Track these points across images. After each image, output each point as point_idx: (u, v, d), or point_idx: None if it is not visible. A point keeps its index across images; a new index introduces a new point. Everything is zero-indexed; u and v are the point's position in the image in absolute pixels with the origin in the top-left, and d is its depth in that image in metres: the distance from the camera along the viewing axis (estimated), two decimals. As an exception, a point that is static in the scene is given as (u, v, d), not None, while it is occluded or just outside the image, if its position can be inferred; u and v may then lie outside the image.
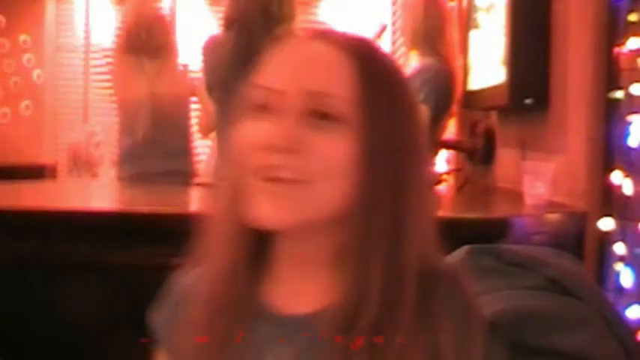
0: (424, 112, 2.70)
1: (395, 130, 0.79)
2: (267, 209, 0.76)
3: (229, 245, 0.82)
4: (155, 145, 2.92)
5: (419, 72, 2.85)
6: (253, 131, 0.78)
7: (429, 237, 0.81)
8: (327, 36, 0.82)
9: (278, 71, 0.79)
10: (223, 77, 2.48)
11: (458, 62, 2.91)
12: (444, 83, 2.80)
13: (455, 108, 2.98)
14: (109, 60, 3.45)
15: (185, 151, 3.06)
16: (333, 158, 0.76)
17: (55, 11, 5.21)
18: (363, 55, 0.80)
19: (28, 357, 1.68)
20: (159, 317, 0.89)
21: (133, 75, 2.94)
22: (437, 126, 2.83)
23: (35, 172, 4.39)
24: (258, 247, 0.82)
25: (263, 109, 0.78)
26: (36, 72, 5.11)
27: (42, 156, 5.01)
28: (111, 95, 3.36)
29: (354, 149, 0.76)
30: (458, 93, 2.91)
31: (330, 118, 0.77)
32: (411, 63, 3.02)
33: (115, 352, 1.61)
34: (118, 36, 3.13)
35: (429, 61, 2.84)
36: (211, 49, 2.65)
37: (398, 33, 4.70)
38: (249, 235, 0.80)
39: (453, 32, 2.94)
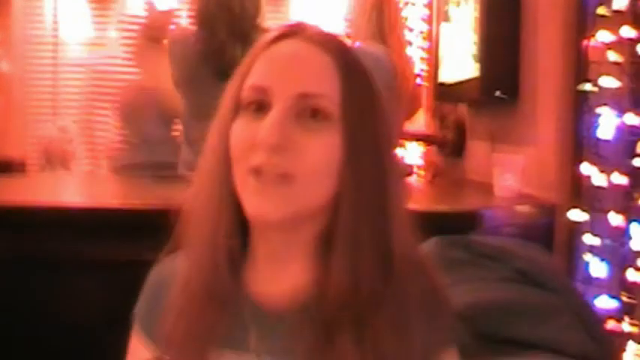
0: None
1: (374, 125, 0.82)
2: (257, 205, 0.78)
3: (212, 236, 0.83)
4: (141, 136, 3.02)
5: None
6: (246, 130, 0.80)
7: (407, 223, 0.84)
8: (307, 35, 0.84)
9: (269, 72, 0.82)
10: (187, 72, 2.47)
11: (407, 59, 2.88)
12: (381, 62, 2.77)
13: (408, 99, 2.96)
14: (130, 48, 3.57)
15: (166, 140, 3.07)
16: (322, 156, 0.79)
17: (22, 3, 5.13)
18: (341, 54, 0.83)
19: (16, 350, 1.67)
20: (139, 309, 0.91)
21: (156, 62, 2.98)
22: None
23: (2, 167, 4.33)
24: (240, 235, 0.84)
25: (256, 108, 0.80)
26: (3, 64, 5.03)
27: (9, 150, 4.94)
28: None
29: (340, 147, 0.80)
30: (410, 90, 2.89)
31: (319, 118, 0.79)
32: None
33: (102, 347, 1.60)
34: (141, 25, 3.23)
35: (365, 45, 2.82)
36: (177, 43, 2.64)
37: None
38: (231, 225, 0.83)
39: (403, 28, 2.91)
